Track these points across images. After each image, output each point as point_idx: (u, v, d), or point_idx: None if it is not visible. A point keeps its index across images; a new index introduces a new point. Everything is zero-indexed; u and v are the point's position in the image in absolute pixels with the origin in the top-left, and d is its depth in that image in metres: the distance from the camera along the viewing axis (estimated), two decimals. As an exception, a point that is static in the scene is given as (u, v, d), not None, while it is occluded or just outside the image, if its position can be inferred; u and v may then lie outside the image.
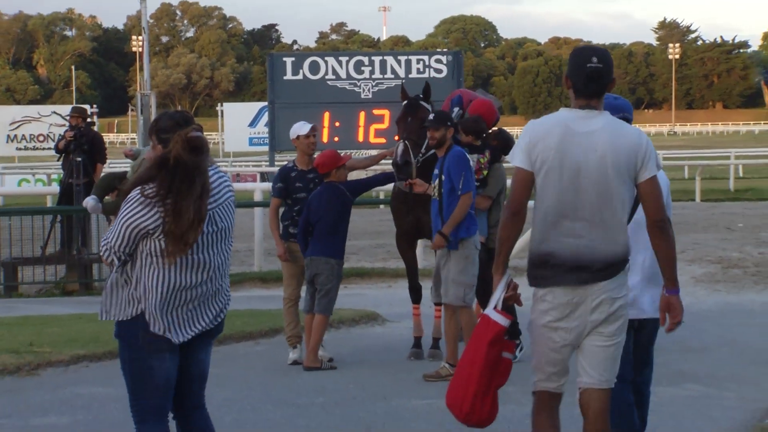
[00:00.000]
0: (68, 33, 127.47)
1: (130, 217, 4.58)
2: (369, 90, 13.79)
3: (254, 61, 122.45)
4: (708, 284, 13.11)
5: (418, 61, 14.14)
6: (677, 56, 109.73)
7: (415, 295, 9.11)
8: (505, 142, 8.91)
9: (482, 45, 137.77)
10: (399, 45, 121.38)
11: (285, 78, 13.79)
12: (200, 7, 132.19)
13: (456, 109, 9.03)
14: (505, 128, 9.67)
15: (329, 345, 8.97)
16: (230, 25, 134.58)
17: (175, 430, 4.99)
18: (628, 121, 5.32)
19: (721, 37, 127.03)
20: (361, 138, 13.79)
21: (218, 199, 4.73)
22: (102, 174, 14.42)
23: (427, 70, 13.89)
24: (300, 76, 13.77)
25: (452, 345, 8.10)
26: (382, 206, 23.07)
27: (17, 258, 13.77)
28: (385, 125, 13.59)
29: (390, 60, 14.16)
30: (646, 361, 5.55)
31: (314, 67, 13.81)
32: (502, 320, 4.73)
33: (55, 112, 37.01)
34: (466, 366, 4.82)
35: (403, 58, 14.25)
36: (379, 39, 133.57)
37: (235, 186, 23.81)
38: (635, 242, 4.97)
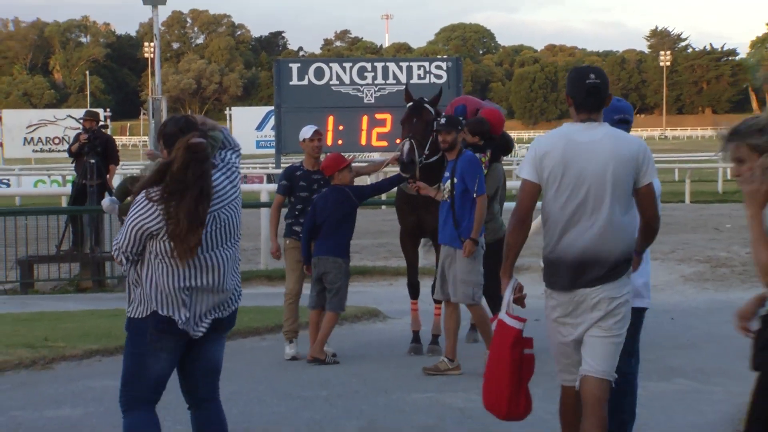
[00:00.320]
0: (83, 39, 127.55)
1: (136, 219, 4.62)
2: (372, 95, 13.77)
3: (261, 66, 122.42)
4: (697, 283, 13.10)
5: (419, 67, 14.10)
6: (668, 63, 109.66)
7: (414, 290, 9.10)
8: (506, 144, 8.98)
9: (481, 52, 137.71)
10: (401, 52, 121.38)
11: (291, 83, 13.76)
12: (210, 15, 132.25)
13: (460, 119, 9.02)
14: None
15: (332, 340, 8.96)
16: (239, 32, 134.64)
17: (190, 421, 5.00)
18: (628, 122, 5.46)
19: (711, 44, 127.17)
20: (363, 141, 13.75)
21: (224, 199, 4.73)
22: (116, 175, 14.51)
23: (427, 75, 13.88)
24: (305, 82, 13.74)
25: (452, 340, 8.09)
26: (384, 207, 23.09)
27: (33, 256, 13.78)
28: (387, 129, 13.57)
29: (392, 66, 14.12)
30: (630, 351, 5.53)
31: (319, 73, 13.78)
32: (516, 323, 4.95)
33: (70, 116, 36.90)
34: (495, 370, 5.05)
35: (404, 65, 14.21)
36: (381, 46, 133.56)
37: (243, 187, 23.86)
38: None
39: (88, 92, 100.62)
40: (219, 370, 4.99)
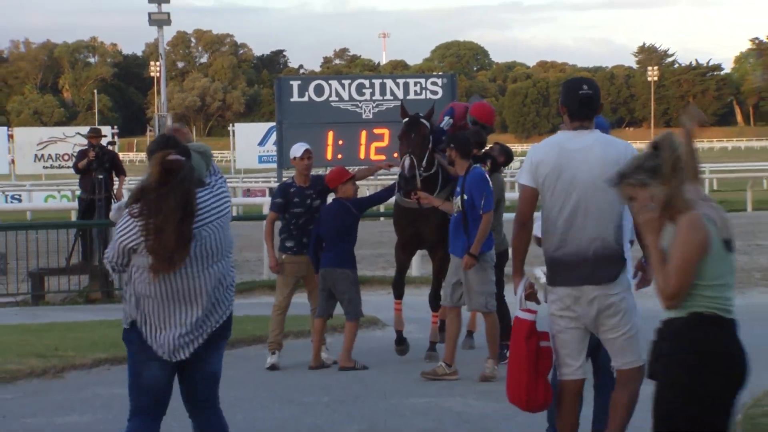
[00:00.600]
0: (91, 59, 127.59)
1: (120, 233, 4.62)
2: (370, 111, 13.76)
3: (263, 84, 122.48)
4: (686, 289, 13.07)
5: (415, 84, 14.10)
6: (655, 78, 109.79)
7: (398, 291, 9.09)
8: (507, 156, 9.02)
9: (475, 68, 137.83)
10: (398, 69, 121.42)
11: (292, 100, 13.75)
12: (213, 35, 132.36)
13: (447, 119, 9.07)
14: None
15: (334, 348, 8.95)
16: (241, 51, 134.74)
17: (192, 428, 4.99)
18: None
19: (696, 60, 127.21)
20: (362, 155, 13.74)
21: (207, 217, 4.62)
22: (123, 189, 14.64)
23: (423, 92, 13.88)
24: (306, 98, 13.74)
25: (451, 346, 8.09)
26: (382, 219, 23.06)
27: (44, 268, 13.77)
28: (385, 143, 13.55)
29: (389, 83, 14.12)
30: None
31: (319, 90, 13.78)
32: (528, 316, 5.08)
33: (78, 133, 36.89)
34: (514, 363, 5.16)
35: (401, 81, 14.21)
36: (379, 63, 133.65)
37: (245, 201, 23.83)
38: None
39: (96, 110, 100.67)
40: (217, 378, 4.91)
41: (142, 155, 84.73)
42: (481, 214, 7.89)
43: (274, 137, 21.61)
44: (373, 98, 13.87)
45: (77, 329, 10.20)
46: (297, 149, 8.88)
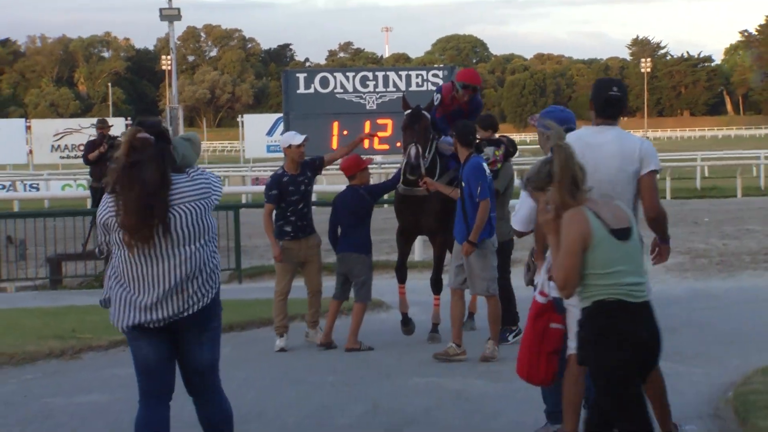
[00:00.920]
0: (105, 54, 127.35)
1: (99, 211, 4.61)
2: (373, 102, 13.73)
3: (271, 77, 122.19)
4: (677, 273, 13.08)
5: (417, 76, 14.06)
6: (648, 70, 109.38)
7: (400, 276, 9.11)
8: (514, 147, 9.04)
9: (474, 61, 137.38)
10: (400, 62, 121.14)
11: (298, 92, 13.72)
12: (222, 30, 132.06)
13: (436, 95, 9.11)
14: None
15: (340, 329, 8.95)
16: (249, 45, 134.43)
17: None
18: (572, 129, 5.66)
19: (687, 52, 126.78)
20: (366, 145, 13.69)
21: (175, 198, 4.49)
22: None
23: (425, 83, 13.83)
24: (312, 90, 13.70)
25: (457, 327, 8.10)
26: (386, 206, 23.05)
27: (61, 254, 13.81)
28: (388, 133, 13.52)
29: (392, 75, 14.07)
30: None
31: (324, 82, 13.74)
32: (541, 299, 5.08)
33: (93, 125, 36.93)
34: (524, 339, 5.20)
35: (403, 73, 14.15)
36: (382, 56, 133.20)
37: (254, 189, 23.75)
38: None
39: (110, 103, 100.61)
40: (206, 368, 4.70)
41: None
42: (477, 202, 7.88)
43: (281, 128, 21.58)
44: (377, 90, 13.84)
45: (94, 312, 10.20)
46: (294, 137, 8.82)
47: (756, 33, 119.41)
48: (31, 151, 44.20)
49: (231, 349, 8.08)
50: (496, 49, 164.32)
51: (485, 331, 8.24)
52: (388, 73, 14.14)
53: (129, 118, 40.03)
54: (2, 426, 6.47)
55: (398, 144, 10.76)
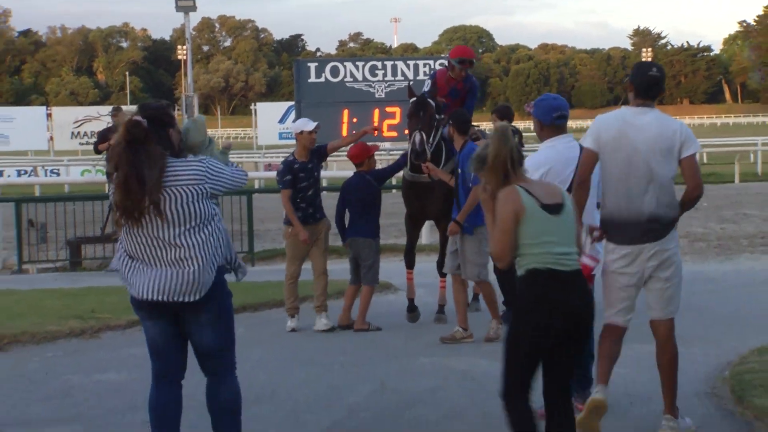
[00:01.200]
0: (123, 44, 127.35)
1: (109, 192, 4.58)
2: (382, 90, 13.69)
3: (283, 66, 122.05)
4: (676, 256, 13.03)
5: (424, 65, 14.00)
6: (649, 59, 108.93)
7: (409, 261, 9.09)
8: (521, 136, 9.01)
9: (480, 51, 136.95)
10: (408, 51, 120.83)
11: (309, 80, 13.68)
12: (236, 21, 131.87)
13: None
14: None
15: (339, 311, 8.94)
16: (262, 36, 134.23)
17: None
18: (565, 117, 5.83)
19: (687, 42, 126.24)
20: (375, 133, 13.71)
21: (168, 180, 4.42)
22: None
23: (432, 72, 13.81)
24: (322, 79, 13.66)
25: (462, 311, 8.09)
26: (394, 191, 23.03)
27: (81, 237, 13.83)
28: (396, 120, 13.48)
29: (400, 64, 14.03)
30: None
31: (334, 71, 13.70)
32: (591, 261, 5.10)
33: (110, 113, 37.02)
34: None
35: (411, 63, 14.10)
36: (390, 46, 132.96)
37: (266, 174, 23.79)
38: None
39: (128, 91, 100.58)
40: (211, 350, 4.61)
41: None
42: (470, 187, 7.85)
43: (293, 115, 21.58)
44: (385, 79, 13.80)
45: (112, 293, 10.24)
46: (307, 123, 8.77)
47: (754, 23, 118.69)
48: (51, 138, 44.33)
49: (244, 330, 8.09)
50: (502, 39, 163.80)
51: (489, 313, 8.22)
52: (396, 62, 14.09)
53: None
54: (25, 401, 6.50)
55: (406, 131, 10.73)
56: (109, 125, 14.74)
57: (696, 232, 15.08)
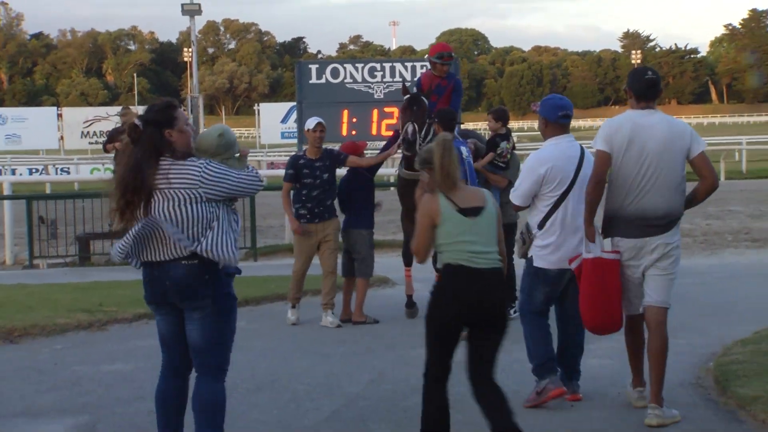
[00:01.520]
0: (131, 46, 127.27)
1: None
2: (381, 91, 13.67)
3: (285, 68, 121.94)
4: (664, 251, 13.04)
5: (422, 67, 13.94)
6: (639, 61, 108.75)
7: (407, 258, 9.07)
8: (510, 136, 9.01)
9: (476, 53, 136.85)
10: (406, 53, 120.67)
11: (311, 82, 13.66)
12: (240, 24, 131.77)
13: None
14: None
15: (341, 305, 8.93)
16: (265, 38, 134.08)
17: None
18: (569, 116, 5.84)
19: (675, 44, 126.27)
20: (374, 131, 13.67)
21: (161, 185, 4.40)
22: None
23: (429, 74, 13.79)
24: (323, 80, 13.64)
25: None
26: (392, 188, 23.03)
27: (89, 233, 13.82)
28: (394, 120, 13.44)
29: (398, 66, 14.00)
30: (572, 314, 5.79)
31: (335, 73, 13.68)
32: (614, 256, 5.38)
33: (118, 113, 37.03)
34: (606, 295, 5.39)
35: (409, 64, 14.07)
36: (389, 48, 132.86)
37: (269, 172, 23.85)
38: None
39: (135, 92, 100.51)
40: (197, 347, 4.51)
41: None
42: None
43: (295, 115, 21.55)
44: (384, 80, 13.79)
45: (120, 287, 10.24)
46: (310, 122, 8.80)
47: (739, 26, 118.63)
48: (62, 138, 44.33)
49: (246, 323, 8.09)
50: (496, 41, 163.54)
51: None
52: (394, 64, 14.08)
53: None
54: (35, 391, 6.50)
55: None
56: (118, 125, 14.69)
57: (682, 228, 15.02)
